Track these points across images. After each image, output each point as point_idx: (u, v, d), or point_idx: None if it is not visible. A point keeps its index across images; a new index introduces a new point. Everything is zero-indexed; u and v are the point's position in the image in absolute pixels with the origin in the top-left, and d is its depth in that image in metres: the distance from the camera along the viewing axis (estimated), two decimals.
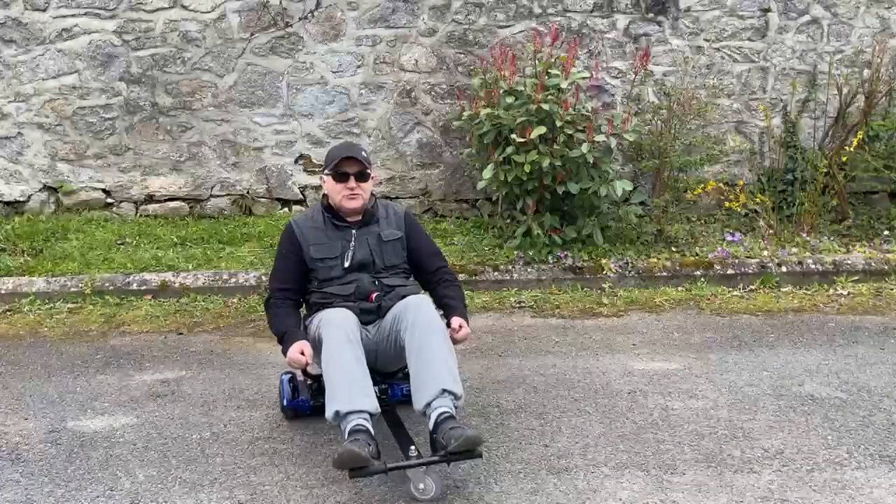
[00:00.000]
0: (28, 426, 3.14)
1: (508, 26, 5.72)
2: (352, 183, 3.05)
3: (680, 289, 4.81)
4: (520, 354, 3.84)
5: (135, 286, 4.71)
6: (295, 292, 3.08)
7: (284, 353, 2.89)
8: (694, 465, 2.78)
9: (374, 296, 3.00)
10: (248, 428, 3.10)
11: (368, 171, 3.10)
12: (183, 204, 5.87)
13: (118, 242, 5.31)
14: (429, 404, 2.63)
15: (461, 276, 4.80)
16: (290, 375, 3.17)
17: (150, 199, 5.85)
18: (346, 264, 3.03)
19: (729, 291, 4.78)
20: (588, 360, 3.76)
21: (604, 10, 5.73)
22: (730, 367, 3.64)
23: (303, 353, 2.83)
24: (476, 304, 4.56)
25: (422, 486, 2.54)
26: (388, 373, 3.07)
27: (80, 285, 4.67)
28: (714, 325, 4.24)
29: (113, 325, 4.31)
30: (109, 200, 5.84)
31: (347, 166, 3.06)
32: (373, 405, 2.64)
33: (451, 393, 2.65)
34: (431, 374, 2.67)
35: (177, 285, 4.71)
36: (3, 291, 4.65)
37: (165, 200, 5.86)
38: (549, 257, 4.95)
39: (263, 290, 4.67)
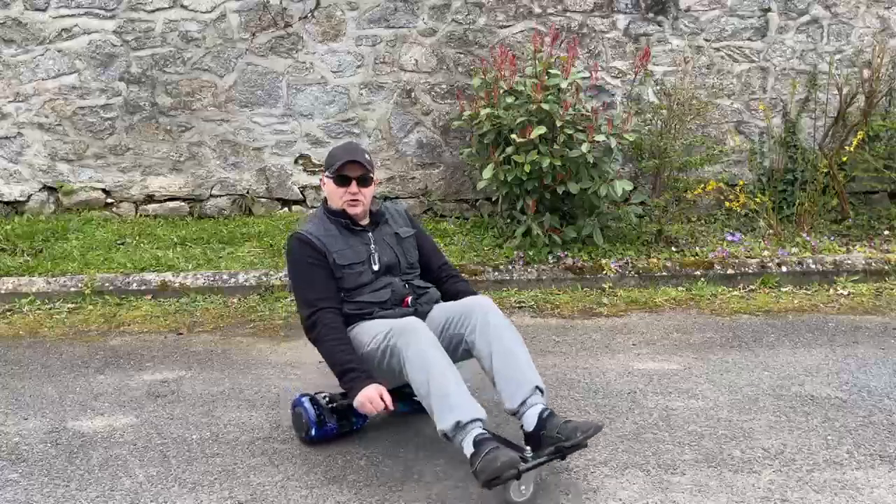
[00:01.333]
0: (28, 426, 3.14)
1: (508, 26, 5.72)
2: (353, 188, 2.95)
3: (680, 289, 4.81)
4: None
5: (135, 286, 4.71)
6: (338, 302, 2.85)
7: (349, 390, 2.67)
8: (694, 465, 2.78)
9: (409, 299, 2.93)
10: (248, 428, 3.10)
11: (371, 175, 3.00)
12: (183, 204, 5.87)
13: (118, 242, 5.31)
14: (524, 402, 2.61)
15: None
16: (308, 397, 2.93)
17: (150, 199, 5.85)
18: (376, 267, 2.93)
19: (729, 291, 4.78)
20: (588, 360, 3.76)
21: (604, 10, 5.73)
22: (730, 367, 3.63)
23: (383, 399, 2.61)
24: None
25: (523, 488, 2.49)
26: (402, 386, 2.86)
27: (80, 285, 4.67)
28: (714, 325, 4.24)
29: (113, 325, 4.31)
30: (109, 200, 5.85)
31: (349, 170, 2.96)
32: (483, 411, 2.55)
33: (541, 390, 2.66)
34: (521, 373, 2.66)
35: (177, 285, 4.71)
36: (3, 291, 4.65)
37: (165, 200, 5.86)
38: (549, 257, 4.95)
39: (264, 290, 4.67)
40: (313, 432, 2.88)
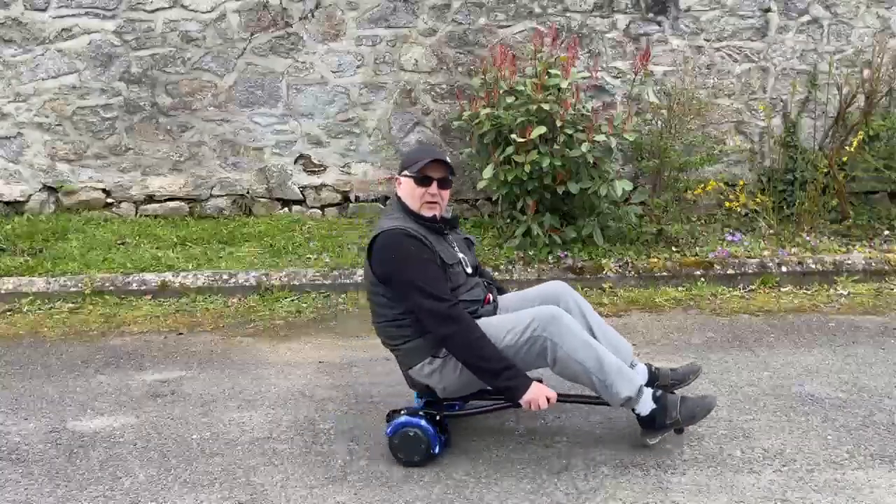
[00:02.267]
0: (28, 426, 3.14)
1: (508, 26, 5.72)
2: (434, 189, 2.84)
3: (680, 289, 4.80)
4: None
5: (135, 286, 4.71)
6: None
7: (510, 388, 2.64)
8: (694, 465, 2.78)
9: (489, 297, 2.94)
10: (248, 428, 3.10)
11: (451, 178, 2.93)
12: (183, 204, 5.86)
13: (118, 242, 5.31)
14: (632, 364, 2.95)
15: None
16: (418, 416, 2.79)
17: (150, 199, 5.85)
18: (469, 270, 2.91)
19: (729, 291, 4.78)
20: None
21: (604, 10, 5.73)
22: (730, 367, 3.63)
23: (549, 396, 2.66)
24: None
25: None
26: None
27: (80, 285, 4.67)
28: (714, 325, 4.24)
29: (113, 325, 4.31)
30: (109, 200, 5.84)
31: (432, 170, 2.85)
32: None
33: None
34: (619, 339, 2.95)
35: (177, 285, 4.71)
36: (3, 291, 4.65)
37: (165, 200, 5.86)
38: (549, 257, 4.94)
39: (264, 290, 4.67)
40: (437, 450, 2.77)
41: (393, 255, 2.71)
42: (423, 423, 2.76)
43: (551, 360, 2.70)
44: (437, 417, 2.82)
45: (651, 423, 2.78)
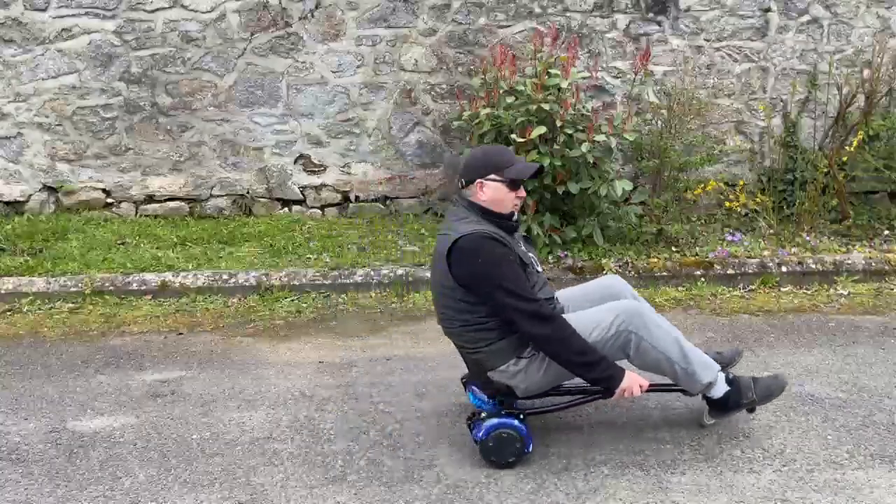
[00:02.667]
0: (28, 426, 3.14)
1: (508, 26, 5.72)
2: (522, 192, 2.90)
3: (680, 289, 4.81)
4: None
5: (135, 286, 4.71)
6: None
7: (607, 378, 2.71)
8: (694, 465, 2.78)
9: (556, 296, 3.01)
10: (248, 428, 3.10)
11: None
12: (183, 204, 5.86)
13: (118, 242, 5.31)
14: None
15: None
16: (511, 416, 2.82)
17: (150, 199, 5.85)
18: (539, 269, 2.95)
19: (729, 291, 4.78)
20: None
21: (604, 10, 5.73)
22: None
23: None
24: None
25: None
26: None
27: (80, 285, 4.67)
28: (714, 325, 4.24)
29: (113, 325, 4.31)
30: (109, 200, 5.84)
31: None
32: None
33: None
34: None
35: (177, 285, 4.71)
36: (3, 291, 4.64)
37: (165, 200, 5.86)
38: (549, 257, 4.94)
39: (263, 290, 4.67)
40: (529, 448, 2.81)
41: (478, 258, 2.70)
42: (515, 423, 2.78)
43: (633, 352, 2.78)
44: (522, 416, 2.83)
45: (723, 405, 2.92)
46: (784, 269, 4.91)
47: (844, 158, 5.51)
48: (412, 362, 3.74)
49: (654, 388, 2.94)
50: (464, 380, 3.12)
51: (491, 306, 2.72)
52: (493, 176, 2.81)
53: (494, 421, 2.78)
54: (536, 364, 2.77)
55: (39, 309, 4.54)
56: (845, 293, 4.72)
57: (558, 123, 4.78)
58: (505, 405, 2.88)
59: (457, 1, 5.66)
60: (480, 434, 2.78)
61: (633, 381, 2.73)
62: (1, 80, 5.62)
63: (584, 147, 4.71)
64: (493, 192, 2.82)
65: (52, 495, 2.64)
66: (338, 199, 5.90)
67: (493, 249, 2.70)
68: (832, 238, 5.38)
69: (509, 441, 2.76)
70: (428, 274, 4.79)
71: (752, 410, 3.01)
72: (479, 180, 2.82)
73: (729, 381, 2.91)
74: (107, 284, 4.71)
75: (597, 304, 2.91)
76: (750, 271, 4.90)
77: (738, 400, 2.89)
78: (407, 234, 5.46)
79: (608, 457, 2.84)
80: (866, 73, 5.76)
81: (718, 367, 2.91)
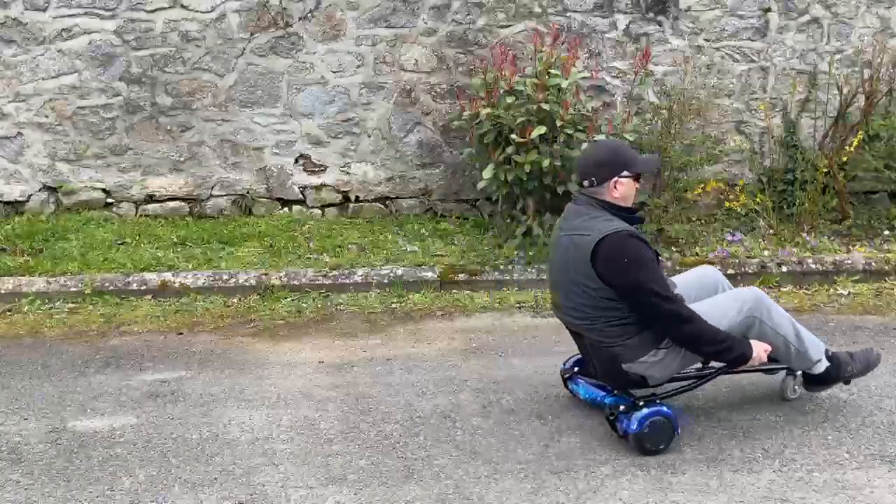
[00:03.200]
0: (28, 426, 3.14)
1: (508, 26, 5.71)
2: (638, 184, 3.05)
3: None
4: (520, 354, 3.84)
5: (135, 286, 4.71)
6: None
7: (742, 353, 2.87)
8: (694, 465, 2.78)
9: None
10: (248, 428, 3.10)
11: None
12: (183, 204, 5.86)
13: (118, 242, 5.31)
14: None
15: (461, 276, 4.81)
16: (659, 405, 2.91)
17: (150, 199, 5.85)
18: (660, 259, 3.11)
19: None
20: None
21: (604, 10, 5.73)
22: None
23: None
24: (476, 304, 4.57)
25: (797, 387, 3.24)
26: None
27: (80, 285, 4.67)
28: None
29: (113, 325, 4.31)
30: (109, 200, 5.84)
31: None
32: None
33: None
34: None
35: (177, 285, 4.71)
36: (3, 291, 4.65)
37: (165, 200, 5.86)
38: None
39: (263, 290, 4.67)
40: (678, 431, 2.93)
41: (624, 258, 2.78)
42: (664, 409, 2.90)
43: (755, 335, 2.95)
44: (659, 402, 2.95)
45: (824, 379, 3.15)
46: (784, 269, 4.91)
47: (844, 158, 5.51)
48: (412, 362, 3.74)
49: (755, 369, 3.15)
50: (567, 375, 3.25)
51: (632, 303, 2.82)
52: (625, 173, 2.91)
53: (644, 411, 2.87)
54: (673, 354, 2.90)
55: (39, 309, 4.54)
56: (845, 293, 4.72)
57: (558, 123, 4.78)
58: (635, 394, 2.97)
59: (457, 1, 5.66)
60: (634, 426, 2.84)
61: (760, 348, 2.92)
62: (1, 80, 5.62)
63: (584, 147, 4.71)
64: (624, 189, 2.92)
65: (52, 495, 2.65)
66: (338, 199, 5.89)
67: (638, 249, 2.80)
68: (832, 238, 5.38)
69: (664, 427, 2.88)
70: (428, 274, 4.81)
71: (847, 382, 3.21)
72: (614, 178, 2.89)
73: (829, 358, 3.12)
74: (107, 284, 4.71)
75: (695, 292, 3.08)
76: (750, 271, 4.90)
77: (837, 374, 3.12)
78: (407, 234, 5.46)
79: (608, 457, 2.84)
80: (866, 73, 5.76)
81: (824, 345, 3.12)
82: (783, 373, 3.25)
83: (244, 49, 5.65)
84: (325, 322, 4.33)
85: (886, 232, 5.50)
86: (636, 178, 2.97)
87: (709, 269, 3.37)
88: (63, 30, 5.57)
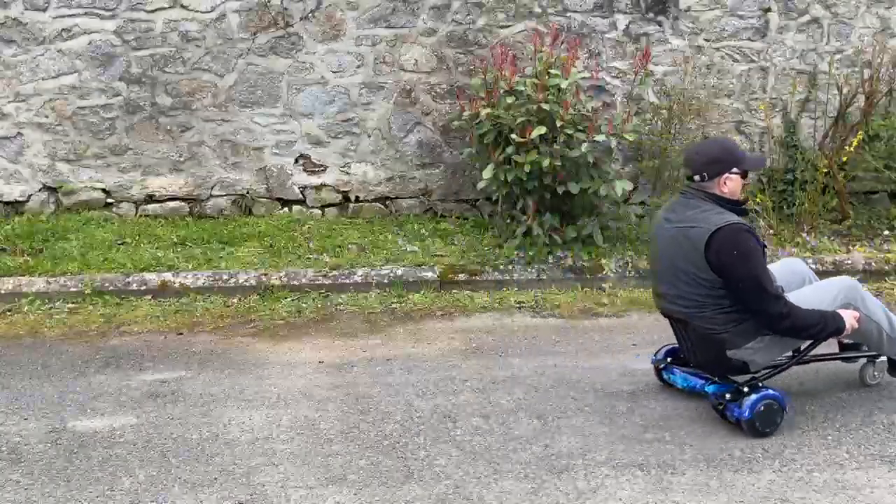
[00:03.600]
0: (28, 426, 3.14)
1: (508, 26, 5.71)
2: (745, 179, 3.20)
3: None
4: (520, 354, 3.84)
5: (135, 286, 4.71)
6: None
7: (837, 325, 3.00)
8: (694, 465, 2.78)
9: None
10: (248, 428, 3.10)
11: None
12: (183, 204, 5.86)
13: (118, 242, 5.31)
14: None
15: (461, 276, 4.81)
16: (768, 389, 3.03)
17: (150, 199, 5.85)
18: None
19: None
20: (588, 360, 3.76)
21: (604, 10, 5.73)
22: None
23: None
24: (476, 304, 4.57)
25: (877, 373, 3.35)
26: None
27: (80, 285, 4.67)
28: None
29: (113, 325, 4.31)
30: (109, 200, 5.84)
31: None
32: None
33: None
34: None
35: (177, 285, 4.71)
36: (3, 291, 4.65)
37: (165, 200, 5.85)
38: (550, 257, 4.94)
39: (263, 290, 4.67)
40: (786, 410, 3.05)
41: (735, 249, 2.93)
42: (771, 391, 3.02)
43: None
44: (760, 385, 3.07)
45: None
46: None
47: (844, 158, 5.51)
48: (412, 362, 3.74)
49: (839, 356, 3.34)
50: (661, 365, 3.40)
51: (737, 294, 2.96)
52: (735, 170, 3.07)
53: (753, 397, 2.98)
54: (776, 339, 3.04)
55: (39, 309, 4.54)
56: None
57: (558, 123, 4.78)
58: (737, 380, 3.08)
59: (457, 1, 5.66)
60: (746, 413, 2.96)
61: (849, 316, 3.03)
62: (1, 80, 5.62)
63: (584, 147, 4.72)
64: (733, 185, 3.09)
65: (51, 495, 2.65)
66: (338, 199, 5.89)
67: (748, 242, 2.96)
68: (832, 238, 5.38)
69: (775, 410, 3.00)
70: (427, 274, 4.81)
71: None
72: (725, 174, 3.05)
73: None
74: (107, 284, 4.71)
75: (785, 283, 3.17)
76: None
77: None
78: (407, 234, 5.46)
79: (608, 457, 2.84)
80: (866, 73, 5.76)
81: None
82: (862, 360, 3.39)
83: (244, 49, 5.65)
84: (325, 322, 4.33)
85: (886, 232, 5.50)
86: (744, 174, 3.13)
87: (796, 261, 3.56)
88: (63, 30, 5.57)
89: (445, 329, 4.21)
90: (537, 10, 5.69)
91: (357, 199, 5.89)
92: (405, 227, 5.59)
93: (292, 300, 4.60)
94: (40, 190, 5.79)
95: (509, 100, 4.93)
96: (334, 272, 4.82)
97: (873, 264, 4.95)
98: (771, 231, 5.35)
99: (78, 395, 3.42)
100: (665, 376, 3.41)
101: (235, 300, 4.65)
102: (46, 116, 5.68)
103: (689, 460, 2.81)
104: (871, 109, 5.66)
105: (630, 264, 4.92)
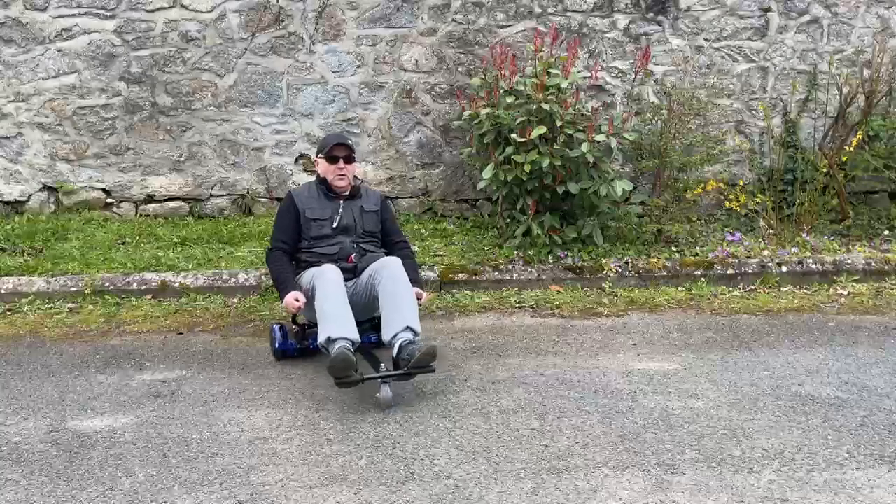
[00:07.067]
0: (28, 426, 3.14)
1: (508, 26, 5.72)
2: (341, 164, 3.78)
3: (680, 289, 4.81)
4: (520, 354, 3.84)
5: (135, 286, 4.71)
6: (291, 245, 3.74)
7: (281, 298, 3.57)
8: (694, 465, 2.78)
9: (352, 257, 3.70)
10: (248, 428, 3.10)
11: (353, 155, 3.84)
12: (183, 204, 5.87)
13: (118, 242, 5.31)
14: (395, 335, 3.33)
15: (461, 276, 4.81)
16: (279, 325, 3.76)
17: (150, 198, 5.85)
18: (335, 225, 3.73)
19: (729, 291, 4.78)
20: (588, 360, 3.76)
21: (604, 10, 5.73)
22: (730, 367, 3.63)
23: (297, 301, 3.49)
24: (476, 304, 4.57)
25: (379, 395, 3.21)
26: (358, 322, 3.50)
27: (80, 285, 4.67)
28: (714, 325, 4.24)
29: (113, 325, 4.31)
30: (109, 200, 5.84)
31: (338, 151, 3.79)
32: (355, 335, 3.31)
33: (412, 329, 3.35)
34: (400, 314, 3.38)
35: (177, 285, 4.71)
36: (3, 291, 4.65)
37: (165, 200, 5.86)
38: (549, 257, 4.95)
39: (264, 290, 4.68)
40: (276, 345, 3.69)
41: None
42: (274, 327, 3.80)
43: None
44: (296, 329, 3.75)
45: None
46: (784, 268, 4.91)
47: (844, 158, 5.51)
48: None
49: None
50: None
51: None
52: (320, 154, 3.79)
53: (275, 322, 3.76)
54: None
55: (39, 309, 4.54)
56: (845, 293, 4.72)
57: (558, 123, 4.78)
58: None
59: (457, 1, 5.66)
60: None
61: (287, 301, 3.51)
62: (1, 80, 5.63)
63: (584, 147, 4.72)
64: (320, 167, 3.79)
65: (51, 495, 2.64)
66: None
67: (281, 205, 3.75)
68: (832, 238, 5.38)
69: (270, 339, 3.79)
70: (428, 274, 4.81)
71: None
72: (315, 158, 3.78)
73: (336, 351, 3.29)
74: (107, 284, 4.71)
75: (370, 274, 3.57)
76: (750, 271, 4.90)
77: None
78: (407, 234, 5.46)
79: (608, 457, 2.84)
80: (866, 73, 5.76)
81: (335, 336, 3.29)
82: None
83: (244, 49, 5.65)
84: None
85: (886, 232, 5.50)
86: (328, 160, 3.73)
87: (388, 259, 3.66)
88: (63, 30, 5.57)
89: (445, 329, 4.20)
90: (537, 10, 5.70)
91: None
92: (405, 227, 5.58)
93: None
94: (40, 190, 5.79)
95: (509, 100, 4.94)
96: None
97: (873, 264, 4.95)
98: (771, 231, 5.36)
99: (78, 395, 3.42)
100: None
101: (235, 300, 4.65)
102: (46, 116, 5.69)
103: (689, 460, 2.81)
104: (871, 109, 5.67)
105: (630, 264, 4.92)
